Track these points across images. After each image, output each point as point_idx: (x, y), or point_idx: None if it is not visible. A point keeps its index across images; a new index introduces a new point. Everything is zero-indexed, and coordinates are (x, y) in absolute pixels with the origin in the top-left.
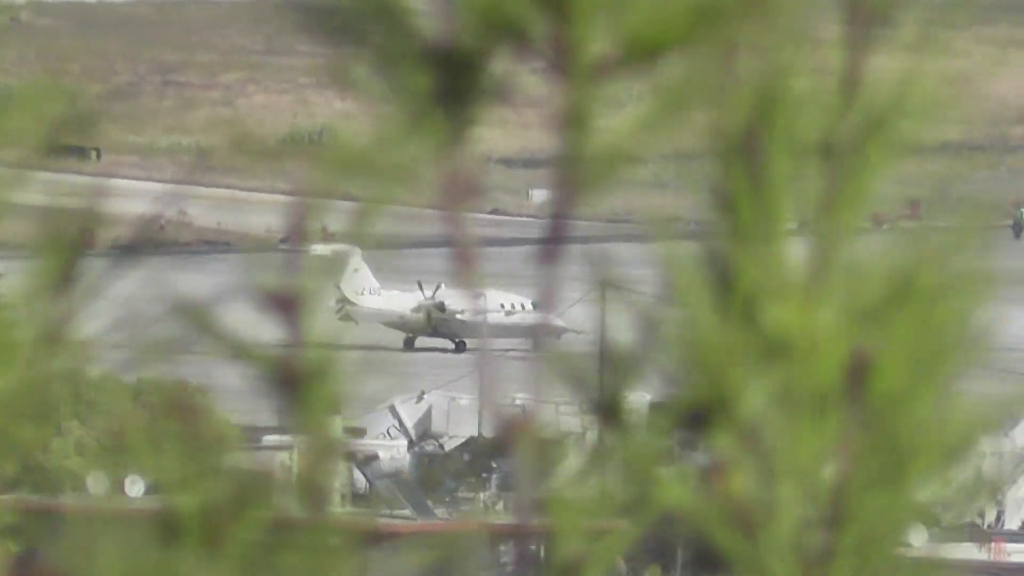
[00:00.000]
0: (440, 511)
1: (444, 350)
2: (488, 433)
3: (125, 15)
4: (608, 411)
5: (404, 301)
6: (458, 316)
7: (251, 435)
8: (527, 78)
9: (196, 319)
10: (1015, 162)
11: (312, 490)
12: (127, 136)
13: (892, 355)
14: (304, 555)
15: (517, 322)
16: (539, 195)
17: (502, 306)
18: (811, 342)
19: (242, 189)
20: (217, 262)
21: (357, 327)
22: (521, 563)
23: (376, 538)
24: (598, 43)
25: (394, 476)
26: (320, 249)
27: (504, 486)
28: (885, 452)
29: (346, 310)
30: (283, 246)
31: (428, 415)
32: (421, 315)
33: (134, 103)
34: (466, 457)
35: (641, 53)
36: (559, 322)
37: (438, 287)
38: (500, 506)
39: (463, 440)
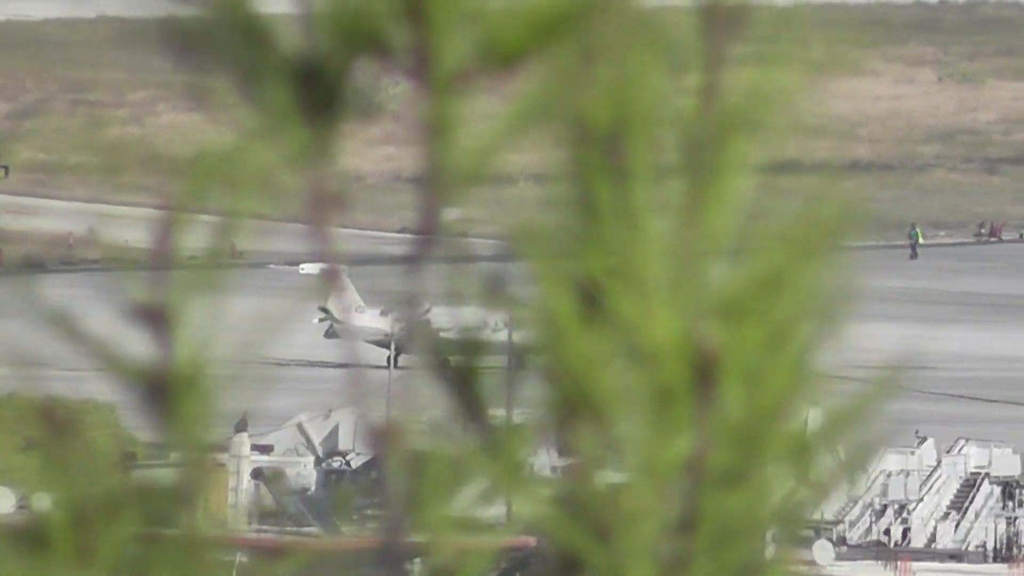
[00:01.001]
0: (347, 528)
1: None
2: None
3: (34, 33)
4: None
5: (389, 319)
6: (443, 334)
7: (157, 451)
8: (393, 99)
9: (67, 330)
10: (923, 181)
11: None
12: (36, 154)
13: (741, 353)
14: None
15: (500, 340)
16: (450, 213)
17: (486, 324)
18: (664, 341)
19: (152, 207)
20: (127, 279)
21: (339, 345)
22: None
23: (282, 555)
24: (457, 51)
25: (301, 493)
26: (308, 268)
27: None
28: (737, 451)
29: (332, 327)
30: (148, 260)
31: (335, 432)
32: (405, 334)
33: (43, 121)
34: (373, 474)
35: (500, 60)
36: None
37: (427, 306)
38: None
39: (370, 457)
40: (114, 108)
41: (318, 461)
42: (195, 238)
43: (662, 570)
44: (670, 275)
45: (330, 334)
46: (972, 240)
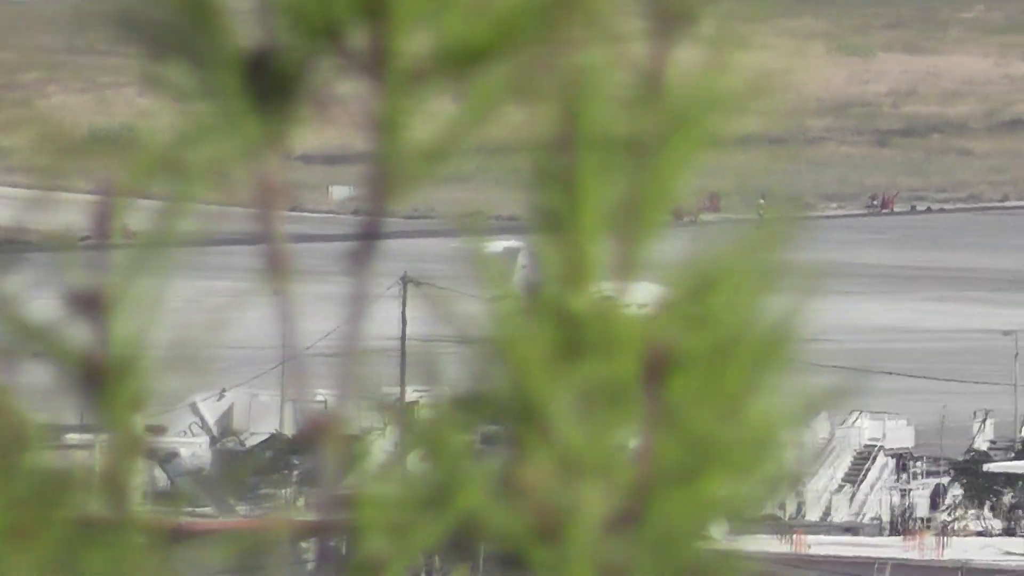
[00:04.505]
0: (242, 508)
1: None
2: (289, 429)
3: None
4: (411, 407)
5: None
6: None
7: (53, 433)
8: (337, 78)
9: (3, 312)
10: (814, 154)
11: (114, 488)
12: None
13: (690, 351)
14: (106, 553)
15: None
16: (338, 191)
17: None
18: (610, 337)
19: (43, 188)
20: (19, 261)
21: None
22: (323, 560)
23: (178, 535)
24: (414, 49)
25: (196, 473)
26: (492, 245)
27: (305, 482)
28: (684, 449)
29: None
30: (86, 244)
31: (229, 412)
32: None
33: None
34: (268, 454)
35: (457, 58)
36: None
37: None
38: (301, 502)
39: (264, 437)
40: (4, 90)
41: (212, 441)
42: (136, 221)
43: (603, 568)
44: (618, 267)
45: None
46: (864, 212)
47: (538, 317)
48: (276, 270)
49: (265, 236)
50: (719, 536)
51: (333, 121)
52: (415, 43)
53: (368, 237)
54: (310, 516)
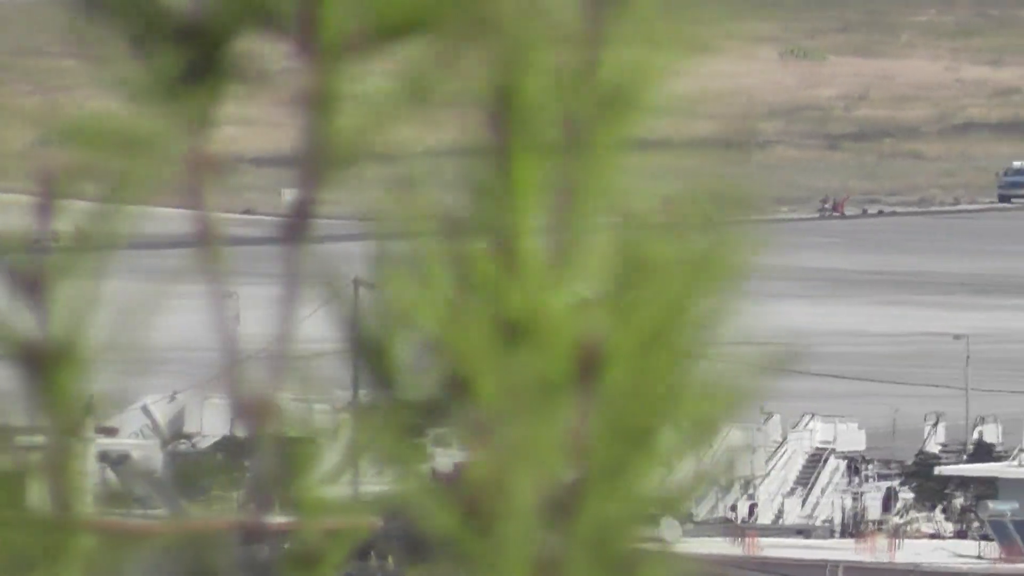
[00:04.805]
0: (193, 510)
1: None
2: (241, 432)
3: None
4: (358, 406)
5: None
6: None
7: (3, 435)
8: (278, 70)
9: None
10: (765, 158)
11: (59, 481)
12: None
13: (624, 344)
14: (55, 554)
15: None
16: (291, 194)
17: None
18: (542, 332)
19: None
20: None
21: None
22: (262, 559)
23: (129, 537)
24: (344, 20)
25: (147, 475)
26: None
27: (257, 485)
28: (616, 443)
29: None
30: (31, 243)
31: (181, 414)
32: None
33: None
34: (220, 456)
35: (390, 30)
36: None
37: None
38: (252, 505)
39: (216, 439)
40: None
41: (164, 443)
42: (77, 221)
43: (538, 560)
44: (553, 259)
45: None
46: (815, 216)
47: (477, 313)
48: (216, 270)
49: (201, 222)
50: (670, 537)
51: (270, 118)
52: (344, 14)
53: (301, 221)
54: (257, 517)
